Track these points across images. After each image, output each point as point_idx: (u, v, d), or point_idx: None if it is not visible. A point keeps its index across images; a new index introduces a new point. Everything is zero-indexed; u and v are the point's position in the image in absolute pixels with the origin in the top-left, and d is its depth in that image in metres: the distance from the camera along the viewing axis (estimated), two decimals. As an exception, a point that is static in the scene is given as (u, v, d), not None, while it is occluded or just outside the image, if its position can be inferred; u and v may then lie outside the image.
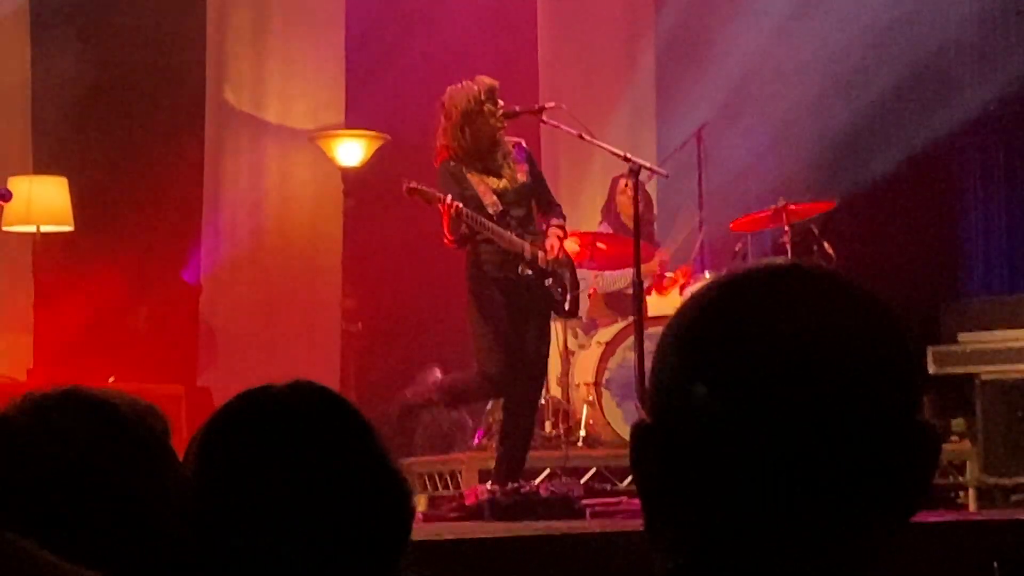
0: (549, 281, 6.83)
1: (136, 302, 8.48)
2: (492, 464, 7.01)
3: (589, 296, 8.88)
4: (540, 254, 6.78)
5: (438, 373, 8.04)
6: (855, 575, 1.14)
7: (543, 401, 8.11)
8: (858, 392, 1.13)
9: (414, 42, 9.36)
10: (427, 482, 8.03)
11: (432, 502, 7.78)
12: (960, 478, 8.46)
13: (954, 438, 8.59)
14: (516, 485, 6.64)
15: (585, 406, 8.24)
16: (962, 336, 8.57)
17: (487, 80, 6.72)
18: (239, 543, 1.55)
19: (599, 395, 8.17)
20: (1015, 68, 9.76)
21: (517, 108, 6.81)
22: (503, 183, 6.74)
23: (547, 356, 7.08)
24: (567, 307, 6.94)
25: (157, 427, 1.75)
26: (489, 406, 8.16)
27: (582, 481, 7.53)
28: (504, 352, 6.70)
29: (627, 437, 1.22)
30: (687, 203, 9.44)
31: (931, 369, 8.34)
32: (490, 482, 6.80)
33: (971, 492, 8.40)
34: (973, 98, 9.86)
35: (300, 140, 9.05)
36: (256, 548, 1.54)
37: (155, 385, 7.28)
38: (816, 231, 8.31)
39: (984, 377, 8.42)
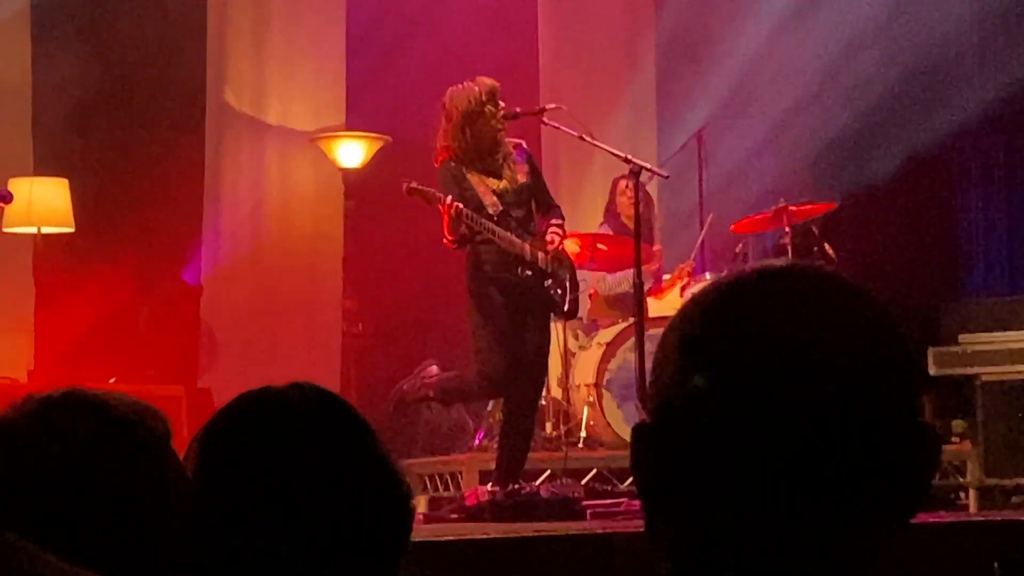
0: (549, 282, 6.83)
1: (137, 303, 8.48)
2: (493, 465, 7.00)
3: (590, 297, 8.88)
4: (540, 255, 6.78)
5: (435, 368, 8.03)
6: (855, 575, 1.14)
7: (543, 402, 8.11)
8: (858, 393, 1.13)
9: (414, 43, 9.36)
10: (428, 483, 8.03)
11: (433, 503, 7.78)
12: (960, 479, 8.46)
13: (954, 439, 8.58)
14: (517, 486, 6.64)
15: (586, 407, 8.24)
16: (962, 337, 8.56)
17: (488, 81, 6.72)
18: (239, 544, 1.55)
19: (600, 396, 8.17)
20: (1016, 68, 9.76)
21: (518, 109, 6.81)
22: (503, 184, 6.74)
23: (547, 357, 7.08)
24: (566, 308, 6.93)
25: (158, 428, 1.75)
26: (490, 407, 8.16)
27: (583, 482, 7.54)
28: (503, 353, 6.70)
29: (628, 438, 1.22)
30: (689, 206, 9.46)
31: (931, 370, 8.34)
32: (491, 483, 6.80)
33: (972, 493, 8.40)
34: (973, 99, 9.86)
35: (301, 141, 9.05)
36: (256, 549, 1.54)
37: (156, 386, 7.29)
38: (817, 232, 8.31)
39: (984, 378, 8.42)
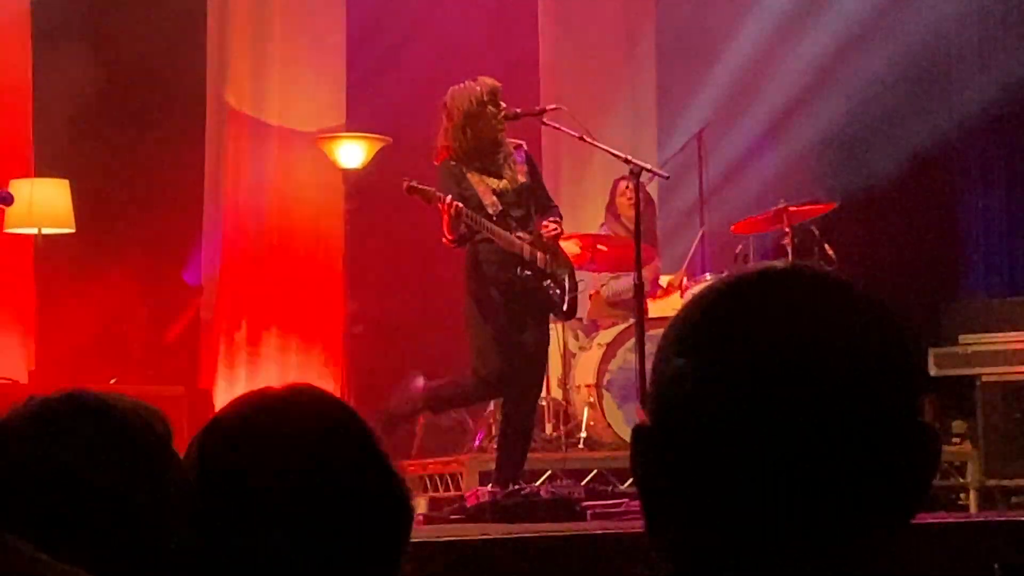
0: (548, 282, 6.83)
1: (137, 304, 8.48)
2: (493, 466, 7.00)
3: (590, 298, 8.88)
4: (539, 255, 6.78)
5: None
6: (855, 575, 1.14)
7: (543, 403, 8.11)
8: (858, 393, 1.13)
9: (415, 44, 9.36)
10: (428, 484, 8.03)
11: (433, 503, 7.78)
12: (961, 480, 8.46)
13: (955, 440, 8.59)
14: (517, 487, 6.64)
15: (586, 408, 8.24)
16: (963, 338, 8.57)
17: (489, 81, 6.72)
18: (238, 546, 1.55)
19: (600, 397, 8.17)
20: (1016, 69, 9.77)
21: (518, 110, 6.81)
22: (503, 183, 6.74)
23: (546, 357, 7.08)
24: (565, 308, 6.94)
25: (159, 430, 1.75)
26: (490, 407, 8.16)
27: (583, 483, 7.54)
28: (501, 353, 6.70)
29: (628, 439, 1.22)
30: (689, 206, 9.46)
31: (932, 371, 8.34)
32: (491, 484, 6.80)
33: (972, 494, 8.40)
34: (974, 99, 9.87)
35: (301, 142, 9.05)
36: (256, 551, 1.54)
37: (156, 387, 7.28)
38: (817, 233, 8.31)
39: (985, 379, 8.43)
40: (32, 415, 1.71)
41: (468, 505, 6.65)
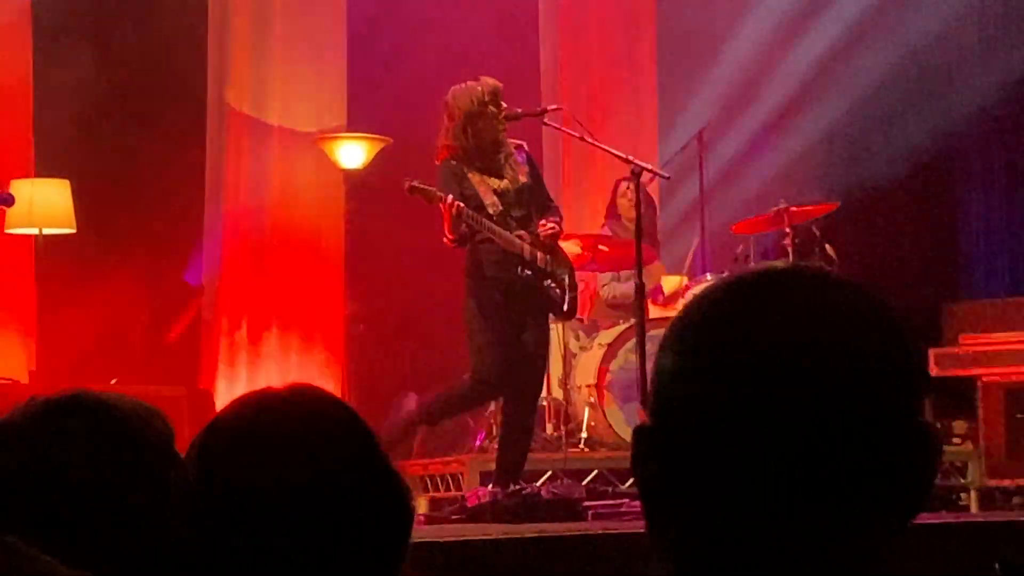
0: (548, 282, 6.83)
1: (138, 304, 8.48)
2: (493, 466, 7.00)
3: (591, 299, 8.89)
4: (539, 255, 6.78)
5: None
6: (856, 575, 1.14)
7: (544, 403, 8.11)
8: (859, 394, 1.13)
9: (416, 45, 9.36)
10: (429, 484, 8.03)
11: (434, 504, 7.78)
12: (962, 480, 8.46)
13: (956, 440, 8.59)
14: (518, 487, 6.63)
15: (587, 408, 8.24)
16: (963, 338, 8.57)
17: (491, 81, 6.72)
18: (239, 546, 1.55)
19: (601, 397, 8.17)
20: (1018, 69, 9.77)
21: (519, 110, 6.81)
22: (504, 184, 6.74)
23: (546, 357, 7.08)
24: (565, 308, 6.94)
25: (161, 431, 1.75)
26: (491, 408, 8.16)
27: (584, 483, 7.53)
28: (499, 354, 6.70)
29: (629, 439, 1.22)
30: (689, 206, 9.46)
31: (933, 371, 8.34)
32: (491, 484, 6.80)
33: (972, 494, 8.40)
34: (975, 100, 9.86)
35: (302, 142, 9.05)
36: (256, 551, 1.54)
37: (157, 387, 7.28)
38: (818, 233, 8.30)
39: (986, 379, 8.43)
40: (33, 415, 1.71)
41: (469, 505, 6.65)
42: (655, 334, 6.83)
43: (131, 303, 8.38)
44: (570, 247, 7.61)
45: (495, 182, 6.72)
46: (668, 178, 7.64)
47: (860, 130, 9.92)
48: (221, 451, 1.60)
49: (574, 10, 10.33)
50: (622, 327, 8.29)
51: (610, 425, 8.12)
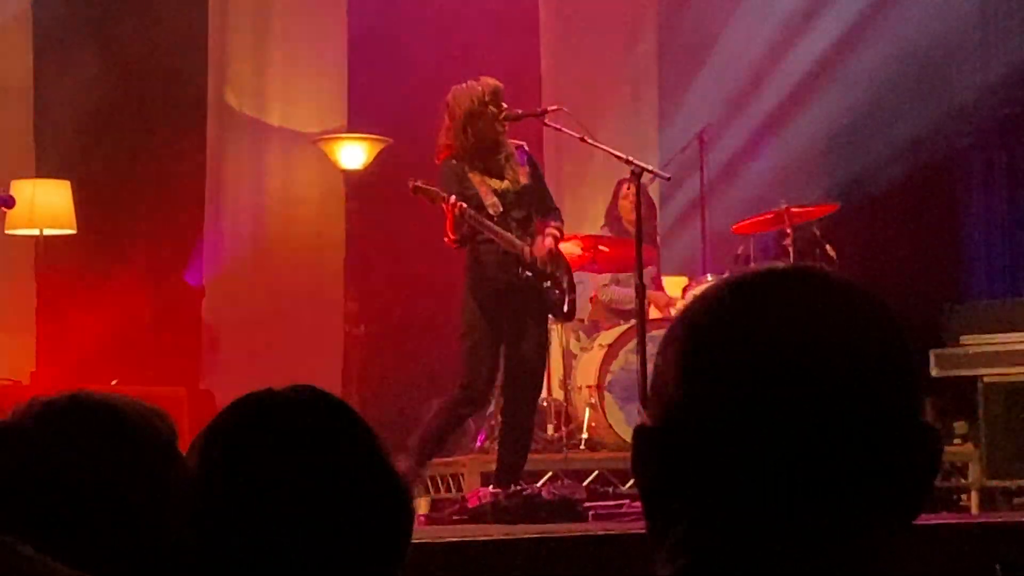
0: (548, 283, 6.83)
1: (139, 305, 8.48)
2: (494, 467, 7.00)
3: (591, 300, 8.89)
4: (539, 256, 6.78)
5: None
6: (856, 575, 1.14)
7: (545, 404, 8.11)
8: (859, 394, 1.13)
9: (416, 45, 9.36)
10: (429, 484, 8.03)
11: (434, 504, 7.78)
12: (962, 481, 8.46)
13: (956, 441, 8.59)
14: (518, 488, 6.63)
15: (587, 409, 8.24)
16: (964, 339, 8.57)
17: (491, 81, 6.72)
18: (239, 546, 1.55)
19: (601, 398, 8.17)
20: (1018, 70, 9.76)
21: (520, 110, 6.81)
22: (505, 184, 6.74)
23: (545, 358, 7.08)
24: (565, 309, 6.94)
25: (163, 431, 1.75)
26: (491, 409, 8.16)
27: (584, 484, 7.53)
28: (492, 358, 6.70)
29: (629, 440, 1.22)
30: (689, 207, 9.46)
31: (934, 372, 8.34)
32: (492, 484, 6.80)
33: (973, 495, 8.40)
34: (976, 100, 9.86)
35: (302, 143, 9.05)
36: (256, 551, 1.54)
37: (157, 388, 7.28)
38: (818, 234, 8.31)
39: (987, 380, 8.42)
40: (34, 416, 1.71)
41: (469, 506, 6.65)
42: (656, 335, 6.82)
43: (132, 303, 8.37)
44: (570, 248, 7.61)
45: (496, 183, 6.73)
46: (668, 179, 7.64)
47: (861, 130, 9.92)
48: (221, 451, 1.60)
49: (575, 10, 10.33)
50: (623, 327, 8.29)
51: (611, 426, 8.12)
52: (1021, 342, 8.43)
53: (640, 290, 6.73)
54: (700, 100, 10.10)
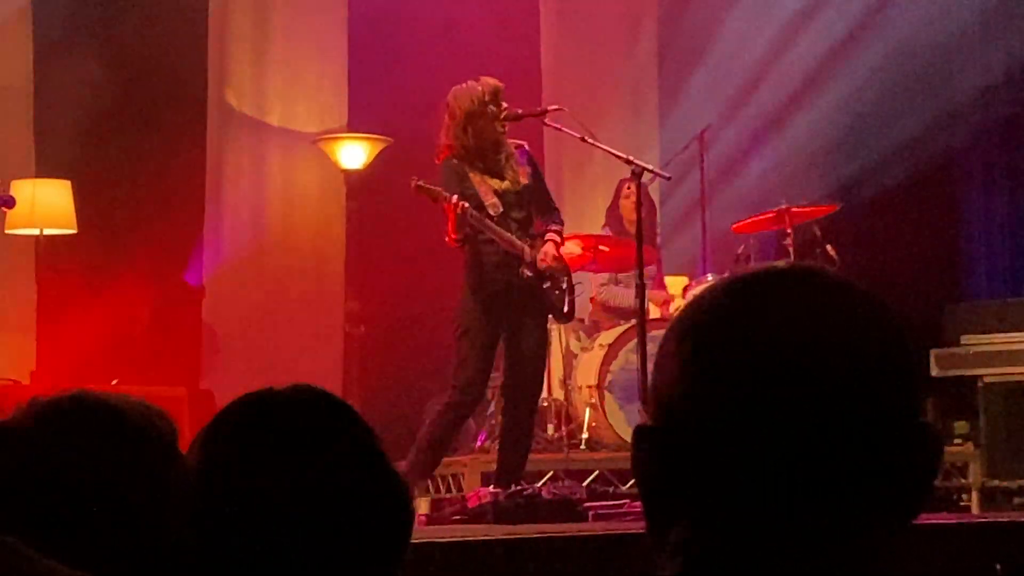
0: (548, 284, 6.83)
1: (139, 305, 8.48)
2: (494, 467, 7.00)
3: (591, 300, 8.88)
4: (539, 257, 6.78)
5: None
6: (856, 575, 1.14)
7: (545, 404, 8.11)
8: (859, 393, 1.13)
9: (417, 45, 9.36)
10: (430, 484, 8.02)
11: (435, 504, 7.78)
12: (963, 480, 8.45)
13: (957, 441, 8.59)
14: (519, 488, 6.63)
15: (587, 409, 8.24)
16: (965, 339, 8.56)
17: (492, 81, 6.72)
18: (238, 545, 1.55)
19: (602, 398, 8.17)
20: (1019, 70, 9.76)
21: (520, 110, 6.81)
22: (505, 184, 6.74)
23: (544, 358, 7.08)
24: (565, 310, 6.94)
25: (164, 431, 1.75)
26: (491, 409, 8.16)
27: (584, 484, 7.53)
28: (486, 360, 6.70)
29: (629, 440, 1.22)
30: (689, 207, 9.46)
31: (934, 372, 8.34)
32: (492, 484, 6.80)
33: (974, 495, 8.40)
34: (977, 100, 9.86)
35: (303, 143, 9.06)
36: (256, 551, 1.54)
37: (158, 387, 7.28)
38: (819, 234, 8.30)
39: (987, 379, 8.42)
40: (35, 416, 1.71)
41: (470, 506, 6.65)
42: (656, 335, 6.82)
43: (132, 303, 8.37)
44: (570, 247, 7.60)
45: (496, 183, 6.72)
46: (669, 178, 7.65)
47: (861, 130, 9.92)
48: (222, 451, 1.60)
49: (575, 10, 10.33)
50: (623, 327, 8.29)
51: (611, 426, 8.12)
52: (1021, 342, 8.42)
53: (641, 290, 6.73)
54: (700, 100, 10.10)
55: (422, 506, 7.47)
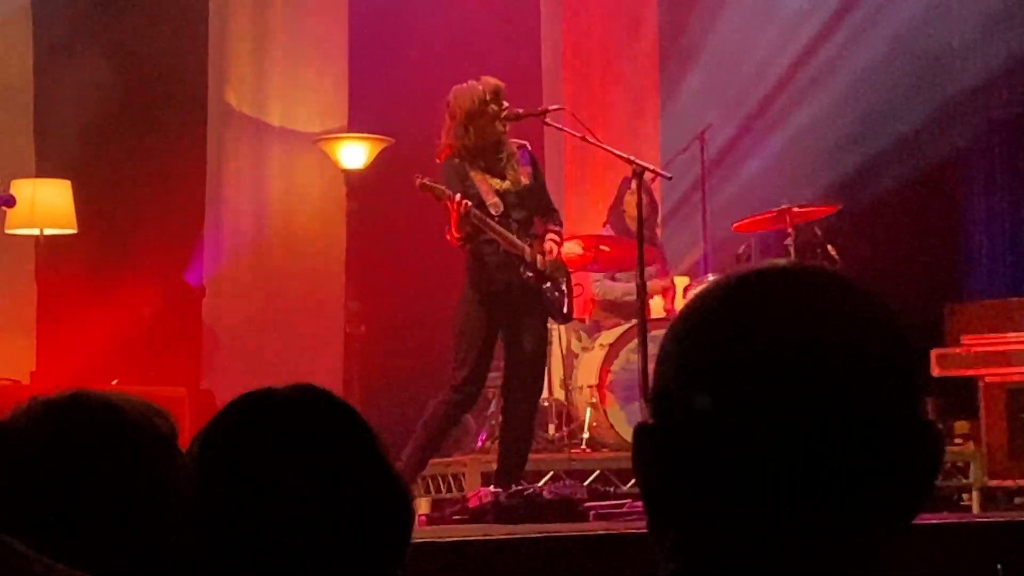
0: (548, 285, 6.83)
1: (139, 305, 8.48)
2: (495, 466, 7.00)
3: (592, 300, 8.88)
4: (539, 257, 6.78)
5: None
6: (857, 575, 1.14)
7: (546, 404, 8.11)
8: (859, 392, 1.13)
9: (416, 45, 9.36)
10: (430, 484, 8.03)
11: (435, 504, 7.77)
12: (963, 480, 8.45)
13: (958, 440, 8.58)
14: (519, 487, 6.63)
15: (588, 408, 8.24)
16: (965, 338, 8.56)
17: (492, 81, 6.72)
18: (239, 546, 1.55)
19: (602, 397, 8.17)
20: (1019, 70, 9.76)
21: (520, 110, 6.80)
22: (506, 184, 6.74)
23: (544, 358, 7.07)
24: (564, 311, 6.95)
25: (164, 430, 1.75)
26: (491, 408, 8.16)
27: (585, 483, 7.53)
28: (484, 357, 6.70)
29: (630, 440, 1.22)
30: (690, 207, 9.46)
31: (935, 371, 8.33)
32: (493, 484, 6.80)
33: (975, 494, 8.39)
34: (978, 101, 9.86)
35: (303, 143, 9.05)
36: (256, 550, 1.54)
37: (158, 387, 7.28)
38: (820, 234, 8.30)
39: (987, 379, 8.42)
40: (35, 416, 1.71)
41: (470, 506, 6.65)
42: (657, 334, 6.82)
43: (132, 303, 8.37)
44: (571, 247, 7.60)
45: (497, 183, 6.72)
46: (670, 178, 7.64)
47: (862, 130, 9.92)
48: (222, 451, 1.60)
49: (576, 10, 10.33)
50: (624, 327, 8.29)
51: (612, 425, 8.12)
52: (1021, 342, 8.42)
53: (641, 289, 6.73)
54: (700, 100, 10.10)
55: (422, 506, 7.48)
